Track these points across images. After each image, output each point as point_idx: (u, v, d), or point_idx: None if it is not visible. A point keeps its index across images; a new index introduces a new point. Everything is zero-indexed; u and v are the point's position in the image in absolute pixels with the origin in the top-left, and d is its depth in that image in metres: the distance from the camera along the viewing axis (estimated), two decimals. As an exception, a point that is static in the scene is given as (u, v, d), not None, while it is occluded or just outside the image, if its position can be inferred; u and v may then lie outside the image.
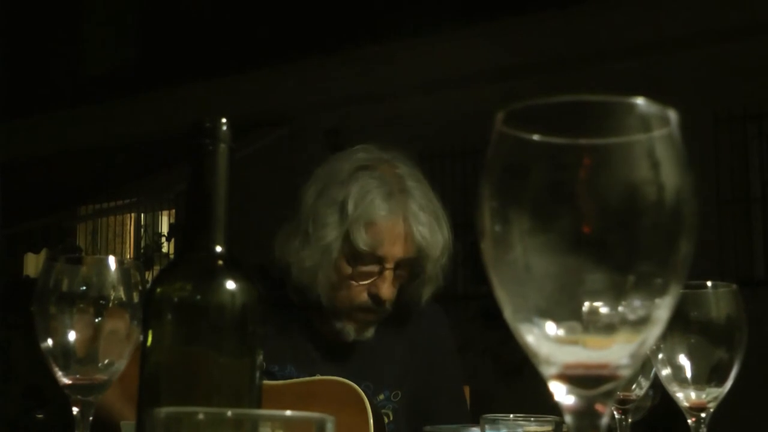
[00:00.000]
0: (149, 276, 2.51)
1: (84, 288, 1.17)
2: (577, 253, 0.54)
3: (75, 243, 9.79)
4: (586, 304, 0.55)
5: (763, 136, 6.78)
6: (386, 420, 2.05)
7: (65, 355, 1.15)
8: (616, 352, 0.57)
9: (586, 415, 0.58)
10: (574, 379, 0.57)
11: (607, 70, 6.76)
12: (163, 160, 8.34)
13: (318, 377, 1.99)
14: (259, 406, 0.93)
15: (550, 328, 0.56)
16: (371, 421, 1.80)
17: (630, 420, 1.39)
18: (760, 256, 6.70)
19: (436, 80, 7.65)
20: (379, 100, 7.92)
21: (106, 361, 1.16)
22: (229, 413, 0.59)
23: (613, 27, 7.01)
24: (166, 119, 8.51)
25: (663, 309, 0.56)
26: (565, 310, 0.55)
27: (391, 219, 2.03)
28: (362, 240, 2.01)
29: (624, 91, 0.57)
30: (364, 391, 1.84)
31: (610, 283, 0.55)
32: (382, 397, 2.13)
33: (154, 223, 9.89)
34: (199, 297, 0.93)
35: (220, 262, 0.95)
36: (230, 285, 0.94)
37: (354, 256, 2.03)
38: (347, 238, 2.02)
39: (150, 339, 0.93)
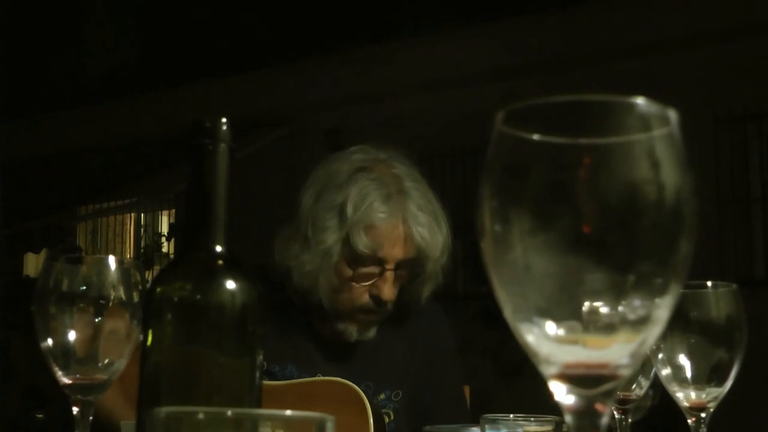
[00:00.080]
0: (149, 276, 2.50)
1: (84, 288, 1.17)
2: (577, 252, 0.54)
3: (75, 243, 9.79)
4: (586, 304, 0.55)
5: (763, 136, 6.78)
6: (387, 420, 2.05)
7: (65, 354, 1.15)
8: (616, 352, 0.57)
9: (586, 414, 0.58)
10: (574, 378, 0.57)
11: (607, 70, 6.76)
12: (163, 160, 8.34)
13: (318, 377, 1.99)
14: (259, 406, 0.93)
15: (550, 327, 0.56)
16: (371, 421, 1.80)
17: (630, 420, 1.39)
18: (760, 256, 6.70)
19: (436, 80, 7.65)
20: (379, 100, 7.91)
21: (106, 361, 1.16)
22: (229, 413, 0.59)
23: (613, 27, 7.01)
24: (166, 119, 8.51)
25: (663, 309, 0.56)
26: (565, 309, 0.56)
27: (390, 221, 2.03)
28: (362, 243, 2.01)
29: (624, 91, 0.57)
30: (364, 391, 1.84)
31: (610, 282, 0.55)
32: (382, 396, 2.13)
33: (154, 223, 9.89)
34: (199, 297, 0.93)
35: (220, 262, 0.95)
36: (230, 285, 0.94)
37: (354, 258, 2.03)
38: (347, 242, 2.02)
39: (150, 339, 0.93)
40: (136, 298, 1.18)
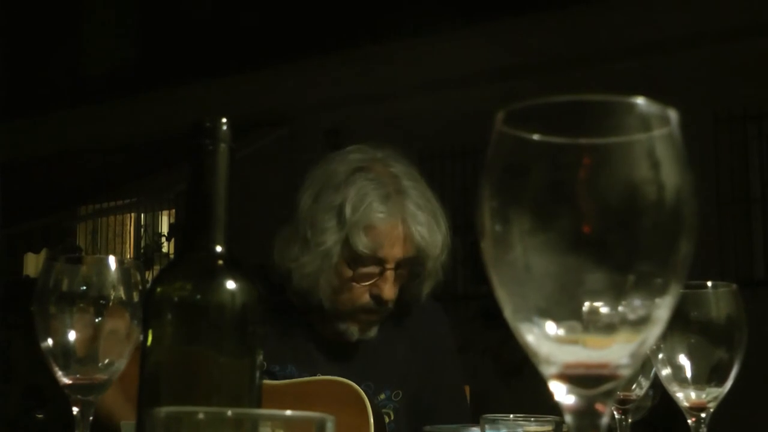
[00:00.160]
0: (149, 276, 2.50)
1: (84, 288, 1.17)
2: (577, 252, 0.54)
3: (75, 243, 9.79)
4: (586, 304, 0.55)
5: (763, 136, 6.77)
6: (387, 419, 2.05)
7: (65, 354, 1.15)
8: (616, 352, 0.57)
9: (586, 414, 0.58)
10: (574, 378, 0.57)
11: (607, 70, 6.75)
12: (163, 160, 8.33)
13: (318, 377, 1.99)
14: (259, 405, 0.93)
15: (550, 327, 0.56)
16: (371, 420, 1.80)
17: (630, 420, 1.39)
18: (760, 256, 6.69)
19: (436, 80, 7.65)
20: (379, 100, 7.91)
21: (106, 361, 1.16)
22: (229, 413, 0.59)
23: (613, 27, 7.00)
24: (166, 119, 8.50)
25: (663, 309, 0.56)
26: (565, 309, 0.56)
27: (389, 221, 2.03)
28: (362, 243, 2.01)
29: (624, 91, 0.57)
30: (365, 391, 1.84)
31: (610, 282, 0.55)
32: (383, 396, 2.13)
33: (154, 223, 9.88)
34: (199, 297, 0.93)
35: (220, 262, 0.95)
36: (230, 285, 0.94)
37: (354, 259, 2.03)
38: (347, 242, 2.02)
39: (150, 339, 0.93)
40: (136, 298, 1.18)
